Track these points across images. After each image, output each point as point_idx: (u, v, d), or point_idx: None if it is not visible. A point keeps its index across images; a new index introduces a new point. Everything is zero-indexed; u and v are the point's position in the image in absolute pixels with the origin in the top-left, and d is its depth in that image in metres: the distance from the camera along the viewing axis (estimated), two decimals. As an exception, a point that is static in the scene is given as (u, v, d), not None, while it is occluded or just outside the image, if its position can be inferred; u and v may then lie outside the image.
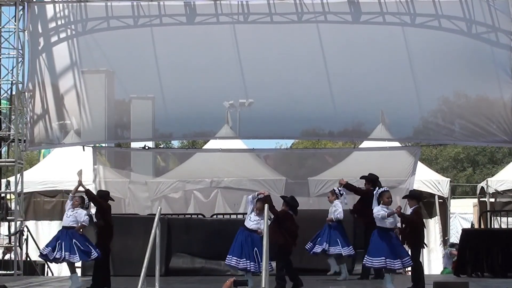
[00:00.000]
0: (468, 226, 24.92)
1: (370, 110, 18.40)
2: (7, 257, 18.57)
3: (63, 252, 13.55)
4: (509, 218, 21.17)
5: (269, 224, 12.54)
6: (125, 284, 14.22)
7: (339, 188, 15.48)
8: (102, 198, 14.32)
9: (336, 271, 15.16)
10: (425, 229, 13.66)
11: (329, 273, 15.22)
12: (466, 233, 16.78)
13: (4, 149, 18.92)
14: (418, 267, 13.04)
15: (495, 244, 15.83)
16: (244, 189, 19.18)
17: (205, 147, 22.98)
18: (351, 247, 15.09)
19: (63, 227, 13.86)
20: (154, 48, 18.52)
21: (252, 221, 13.10)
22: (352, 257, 15.62)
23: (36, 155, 33.88)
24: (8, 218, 18.24)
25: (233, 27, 18.38)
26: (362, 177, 15.57)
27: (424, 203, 21.30)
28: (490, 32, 17.89)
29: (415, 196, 13.28)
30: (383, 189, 12.89)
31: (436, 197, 21.73)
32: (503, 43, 17.82)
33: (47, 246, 13.87)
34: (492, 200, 22.82)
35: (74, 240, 13.58)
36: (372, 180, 15.38)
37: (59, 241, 13.64)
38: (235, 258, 13.02)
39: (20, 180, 18.14)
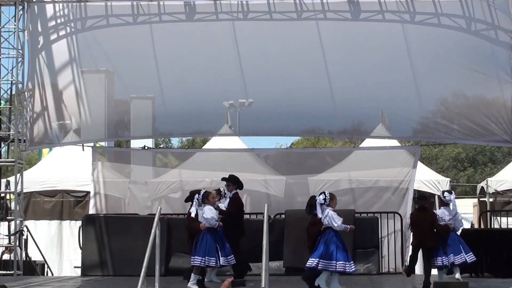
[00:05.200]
0: (468, 226, 24.94)
1: (370, 109, 18.37)
2: (6, 257, 18.55)
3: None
4: (509, 218, 21.19)
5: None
6: (125, 284, 14.22)
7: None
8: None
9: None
10: None
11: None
12: (466, 233, 16.77)
13: (4, 149, 18.91)
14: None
15: (495, 244, 15.83)
16: (244, 189, 19.15)
17: (205, 147, 22.96)
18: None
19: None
20: (153, 48, 18.52)
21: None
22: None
23: (36, 155, 33.90)
24: (8, 218, 18.23)
25: (232, 26, 18.37)
26: (223, 179, 15.30)
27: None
28: (490, 31, 17.89)
29: (234, 180, 14.12)
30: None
31: (436, 197, 21.71)
32: (503, 43, 17.81)
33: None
34: (492, 200, 22.85)
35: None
36: (236, 181, 15.17)
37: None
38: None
39: (20, 180, 18.13)
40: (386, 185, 18.65)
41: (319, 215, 12.67)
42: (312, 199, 13.01)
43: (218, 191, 15.32)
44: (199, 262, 13.08)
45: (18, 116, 18.65)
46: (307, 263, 12.55)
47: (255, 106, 18.51)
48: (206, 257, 13.03)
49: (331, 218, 12.55)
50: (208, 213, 13.09)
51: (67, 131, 18.74)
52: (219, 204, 14.87)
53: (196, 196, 13.38)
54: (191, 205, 13.50)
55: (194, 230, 13.36)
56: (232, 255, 13.38)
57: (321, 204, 12.68)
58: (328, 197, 12.73)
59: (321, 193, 12.93)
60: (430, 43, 18.07)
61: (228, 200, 15.02)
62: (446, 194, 14.45)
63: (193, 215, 13.40)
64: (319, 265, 12.43)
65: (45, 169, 22.25)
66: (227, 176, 15.33)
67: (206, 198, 13.35)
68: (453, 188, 30.17)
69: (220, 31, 18.43)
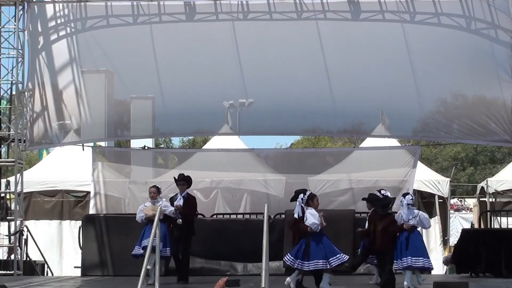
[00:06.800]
0: (468, 226, 24.95)
1: (370, 109, 18.37)
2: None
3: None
4: (509, 218, 21.18)
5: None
6: (125, 284, 14.22)
7: None
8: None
9: None
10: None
11: None
12: (466, 233, 16.78)
13: (4, 149, 18.91)
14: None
15: (495, 244, 15.83)
16: (244, 189, 19.17)
17: (205, 147, 22.95)
18: None
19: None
20: (153, 48, 18.53)
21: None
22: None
23: (36, 155, 33.90)
24: (8, 218, 18.23)
25: (232, 26, 18.38)
26: (175, 179, 15.16)
27: (424, 203, 21.34)
28: (490, 30, 17.89)
29: (186, 179, 14.60)
30: None
31: (436, 197, 21.72)
32: (503, 42, 17.82)
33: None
34: (492, 200, 22.84)
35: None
36: (188, 180, 15.02)
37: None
38: None
39: (20, 180, 18.13)
40: (386, 185, 18.57)
41: (403, 215, 13.22)
42: (387, 199, 13.29)
43: (157, 188, 15.26)
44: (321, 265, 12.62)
45: (18, 116, 18.64)
46: (417, 262, 13.05)
47: (255, 106, 18.51)
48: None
49: (424, 219, 13.26)
50: (310, 219, 12.68)
51: (67, 131, 18.75)
52: (161, 203, 14.92)
53: (301, 195, 12.92)
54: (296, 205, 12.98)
55: (302, 232, 12.75)
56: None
57: (408, 204, 13.28)
58: (414, 198, 13.48)
59: (406, 194, 13.56)
60: (430, 43, 18.07)
61: (182, 200, 14.89)
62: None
63: (296, 215, 12.84)
64: (426, 263, 13.13)
65: (45, 169, 22.24)
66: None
67: (311, 200, 12.92)
68: (453, 188, 30.21)
69: (220, 31, 18.44)
